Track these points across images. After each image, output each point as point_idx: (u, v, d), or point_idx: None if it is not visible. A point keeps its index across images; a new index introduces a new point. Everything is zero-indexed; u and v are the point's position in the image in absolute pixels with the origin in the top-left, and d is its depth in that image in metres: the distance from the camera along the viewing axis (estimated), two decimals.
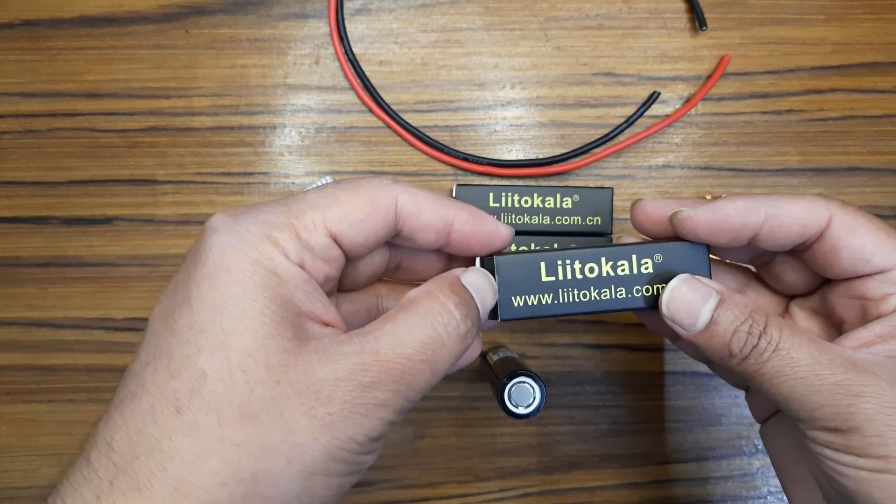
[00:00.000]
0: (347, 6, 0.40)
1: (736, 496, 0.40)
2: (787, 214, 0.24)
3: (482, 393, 0.40)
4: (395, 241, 0.25)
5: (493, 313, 0.25)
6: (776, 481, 0.41)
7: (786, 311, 0.29)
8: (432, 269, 0.27)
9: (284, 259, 0.20)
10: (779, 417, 0.29)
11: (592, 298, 0.25)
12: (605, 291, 0.25)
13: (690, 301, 0.23)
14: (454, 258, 0.27)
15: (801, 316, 0.28)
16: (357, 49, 0.40)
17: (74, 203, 0.40)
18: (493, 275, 0.25)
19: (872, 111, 0.40)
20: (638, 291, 0.25)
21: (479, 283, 0.23)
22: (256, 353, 0.19)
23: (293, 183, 0.40)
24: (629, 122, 0.40)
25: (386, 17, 0.40)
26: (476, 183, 0.40)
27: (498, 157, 0.40)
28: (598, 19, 0.40)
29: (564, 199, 0.36)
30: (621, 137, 0.40)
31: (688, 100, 0.40)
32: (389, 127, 0.40)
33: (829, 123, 0.40)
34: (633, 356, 0.40)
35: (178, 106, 0.40)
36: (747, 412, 0.40)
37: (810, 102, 0.40)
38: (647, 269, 0.25)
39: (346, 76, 0.40)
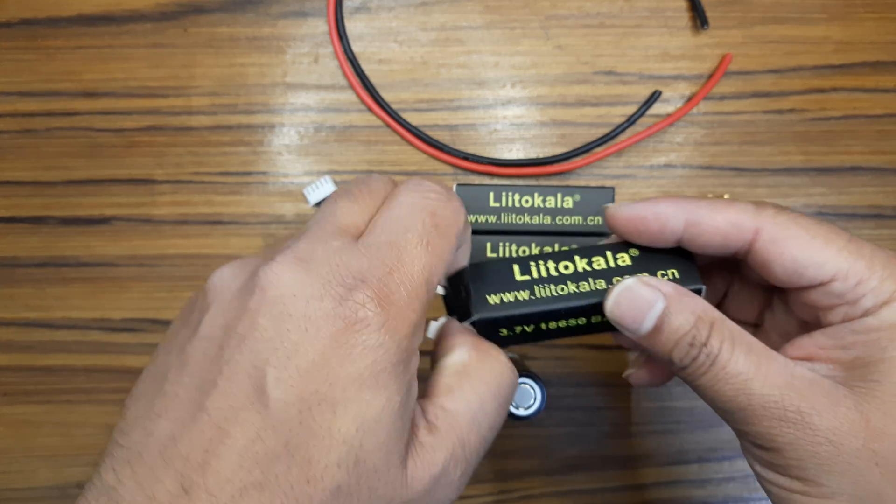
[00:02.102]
0: (347, 4, 0.40)
1: (738, 498, 0.40)
2: (707, 224, 0.23)
3: None
4: None
5: (467, 313, 0.24)
6: None
7: (769, 305, 0.28)
8: None
9: (417, 349, 0.21)
10: None
11: (571, 291, 0.24)
12: (584, 283, 0.24)
13: (636, 306, 0.23)
14: None
15: (780, 309, 0.27)
16: (356, 47, 0.40)
17: (72, 203, 0.39)
18: (465, 279, 0.24)
19: (875, 110, 0.40)
20: (618, 281, 0.24)
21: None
22: (383, 471, 0.19)
23: (292, 182, 0.40)
24: (630, 121, 0.39)
25: (385, 16, 0.40)
26: (476, 182, 0.40)
27: (498, 157, 0.40)
28: (599, 18, 0.40)
29: (565, 198, 0.36)
30: (622, 137, 0.40)
31: (689, 99, 0.40)
32: (389, 126, 0.40)
33: (832, 123, 0.40)
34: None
35: (176, 105, 0.39)
36: None
37: (812, 102, 0.40)
38: (623, 262, 0.24)
39: (345, 75, 0.40)
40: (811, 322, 0.24)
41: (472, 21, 0.40)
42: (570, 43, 0.40)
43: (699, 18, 0.40)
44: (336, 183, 0.39)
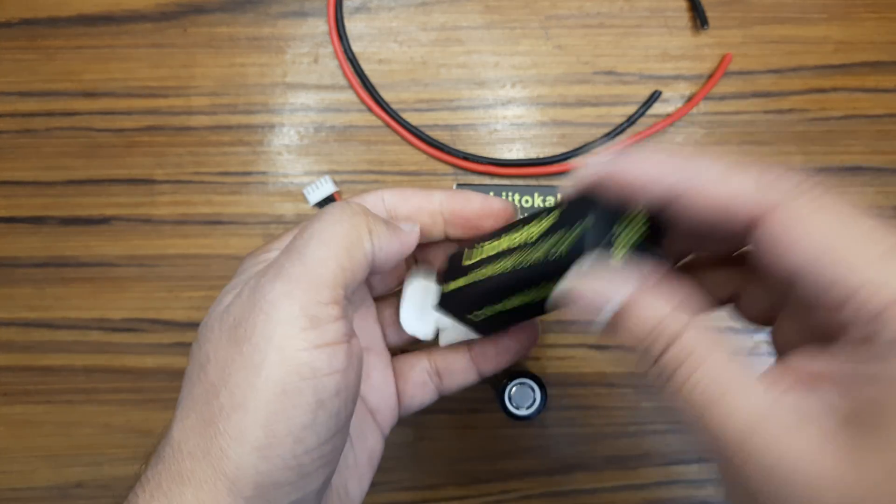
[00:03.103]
0: (347, 4, 0.40)
1: None
2: (698, 198, 0.18)
3: (482, 395, 0.40)
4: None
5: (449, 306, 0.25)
6: None
7: (785, 300, 0.22)
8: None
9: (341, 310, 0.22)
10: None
11: (517, 264, 0.22)
12: (531, 252, 0.22)
13: (587, 304, 0.19)
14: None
15: (798, 307, 0.21)
16: (356, 47, 0.40)
17: (72, 203, 0.39)
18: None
19: (875, 110, 0.40)
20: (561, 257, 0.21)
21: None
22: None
23: (292, 182, 0.40)
24: (630, 121, 0.39)
25: (385, 16, 0.40)
26: (476, 182, 0.40)
27: (498, 157, 0.40)
28: (599, 18, 0.40)
29: None
30: (623, 137, 0.40)
31: (689, 99, 0.40)
32: (389, 126, 0.40)
33: (832, 123, 0.40)
34: (635, 357, 0.40)
35: (176, 105, 0.39)
36: None
37: (812, 101, 0.40)
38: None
39: (345, 75, 0.40)
40: (830, 332, 0.18)
41: (472, 21, 0.40)
42: (570, 43, 0.40)
43: (699, 18, 0.40)
44: (336, 183, 0.39)
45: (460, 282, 0.24)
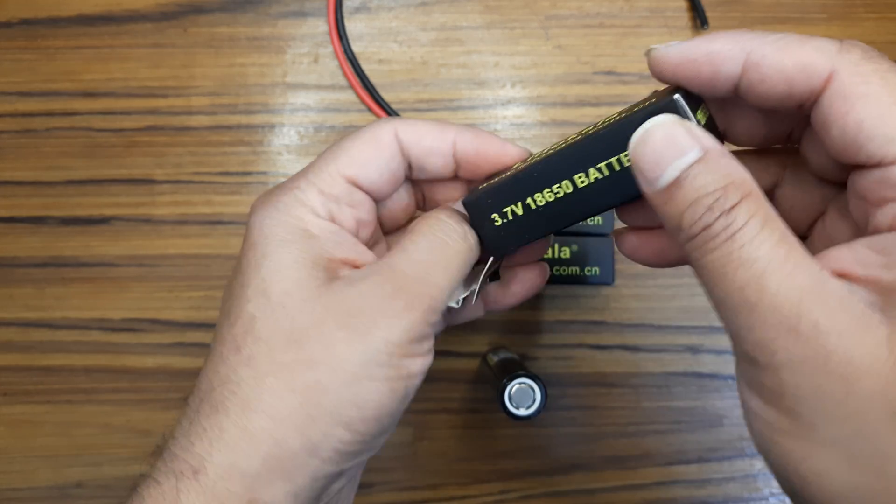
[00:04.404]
0: (346, 4, 0.40)
1: (738, 498, 0.40)
2: (771, 66, 0.18)
3: (483, 394, 0.40)
4: (413, 174, 0.26)
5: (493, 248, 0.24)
6: (777, 483, 0.40)
7: (823, 211, 0.23)
8: (455, 197, 0.27)
9: (313, 216, 0.23)
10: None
11: (560, 151, 0.22)
12: (579, 142, 0.21)
13: (662, 150, 0.18)
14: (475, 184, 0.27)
15: (834, 216, 0.22)
16: (356, 47, 0.40)
17: (72, 203, 0.39)
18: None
19: None
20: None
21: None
22: (293, 292, 0.22)
23: None
24: None
25: (385, 16, 0.40)
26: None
27: None
28: (599, 17, 0.40)
29: None
30: None
31: None
32: None
33: None
34: (634, 357, 0.40)
35: (175, 105, 0.39)
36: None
37: None
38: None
39: (345, 75, 0.40)
40: (858, 226, 0.20)
41: (472, 21, 0.40)
42: (570, 43, 0.40)
43: (699, 18, 0.40)
44: None
45: (497, 179, 0.24)
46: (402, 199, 0.27)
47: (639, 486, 0.40)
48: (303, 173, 0.24)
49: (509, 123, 0.40)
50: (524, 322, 0.40)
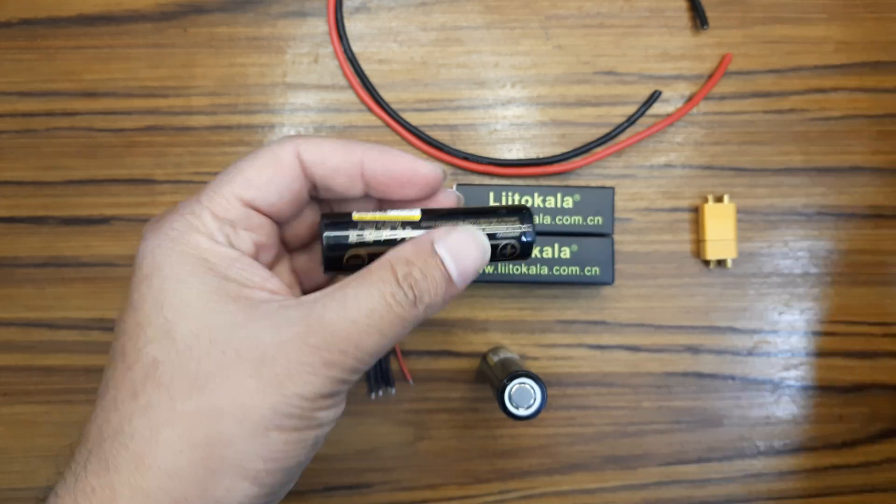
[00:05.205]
0: (346, 4, 0.40)
1: (738, 498, 0.40)
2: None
3: (482, 394, 0.40)
4: (319, 194, 0.25)
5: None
6: (777, 483, 0.41)
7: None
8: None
9: (210, 242, 0.22)
10: None
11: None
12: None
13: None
14: (389, 204, 0.26)
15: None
16: (356, 47, 0.40)
17: (72, 203, 0.39)
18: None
19: (875, 110, 0.40)
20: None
21: (458, 246, 0.22)
22: (200, 332, 0.20)
23: None
24: (630, 121, 0.39)
25: (385, 16, 0.40)
26: (476, 182, 0.40)
27: (498, 157, 0.40)
28: (599, 17, 0.40)
29: (565, 198, 0.36)
30: (622, 136, 0.40)
31: (689, 99, 0.40)
32: (389, 126, 0.40)
33: (832, 123, 0.40)
34: (634, 357, 0.40)
35: (176, 105, 0.39)
36: (749, 413, 0.40)
37: (812, 102, 0.40)
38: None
39: (345, 75, 0.40)
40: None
41: (472, 21, 0.40)
42: (570, 43, 0.40)
43: (699, 18, 0.40)
44: None
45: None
46: (306, 218, 0.26)
47: (639, 486, 0.40)
48: (196, 197, 0.22)
49: (509, 123, 0.40)
50: (524, 322, 0.40)
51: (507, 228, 0.24)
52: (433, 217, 0.24)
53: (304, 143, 0.23)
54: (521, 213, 0.24)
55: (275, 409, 0.20)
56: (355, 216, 0.23)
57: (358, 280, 0.21)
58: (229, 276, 0.21)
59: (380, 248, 0.23)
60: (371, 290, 0.21)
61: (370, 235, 0.23)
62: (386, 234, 0.23)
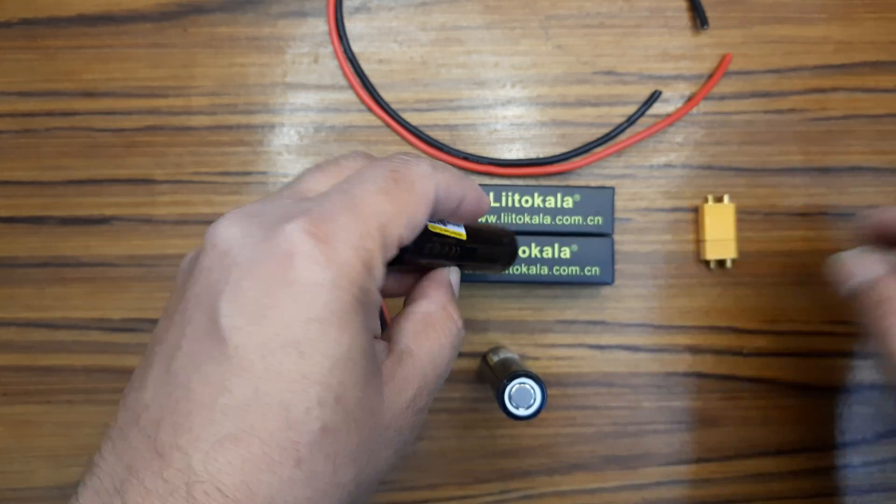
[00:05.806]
0: (346, 4, 0.40)
1: (738, 498, 0.40)
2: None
3: (482, 394, 0.40)
4: None
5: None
6: (777, 483, 0.41)
7: None
8: None
9: (376, 290, 0.20)
10: None
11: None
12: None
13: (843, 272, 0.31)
14: None
15: None
16: (356, 47, 0.40)
17: (72, 203, 0.39)
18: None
19: (875, 110, 0.40)
20: None
21: (456, 280, 0.26)
22: (363, 404, 0.19)
23: None
24: (630, 121, 0.39)
25: (385, 16, 0.40)
26: (477, 182, 0.40)
27: (498, 157, 0.40)
28: (599, 18, 0.40)
29: (565, 198, 0.36)
30: (622, 136, 0.40)
31: (689, 99, 0.40)
32: (389, 126, 0.40)
33: (832, 123, 0.40)
34: (635, 357, 0.40)
35: (175, 105, 0.39)
36: (749, 413, 0.40)
37: (812, 101, 0.40)
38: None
39: (345, 75, 0.40)
40: None
41: (472, 21, 0.40)
42: (570, 43, 0.40)
43: (699, 18, 0.40)
44: None
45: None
46: None
47: (639, 486, 0.40)
48: (359, 223, 0.19)
49: (509, 123, 0.40)
50: (524, 322, 0.40)
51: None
52: (474, 238, 0.27)
53: (442, 182, 0.22)
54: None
55: (392, 463, 0.23)
56: (430, 227, 0.23)
57: (432, 330, 0.23)
58: (372, 326, 0.21)
59: (435, 261, 0.25)
60: (445, 341, 0.23)
61: (434, 250, 0.24)
62: (439, 250, 0.24)
